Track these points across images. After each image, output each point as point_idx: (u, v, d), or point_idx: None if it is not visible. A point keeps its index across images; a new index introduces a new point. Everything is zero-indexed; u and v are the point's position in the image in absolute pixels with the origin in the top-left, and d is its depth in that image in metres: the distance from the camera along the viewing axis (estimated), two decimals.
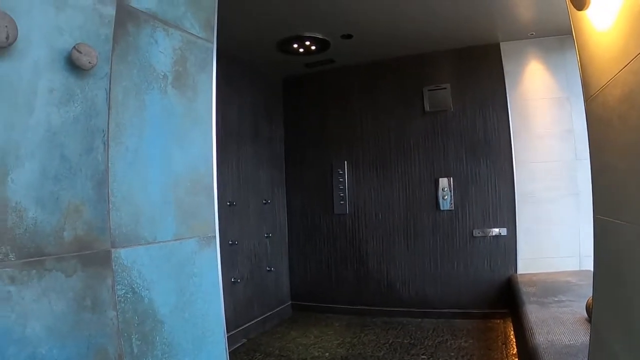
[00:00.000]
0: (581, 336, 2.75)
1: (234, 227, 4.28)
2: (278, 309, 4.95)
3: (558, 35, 4.41)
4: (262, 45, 4.22)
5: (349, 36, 4.14)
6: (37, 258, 0.83)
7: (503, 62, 4.62)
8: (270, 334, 4.44)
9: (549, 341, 2.76)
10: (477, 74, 4.63)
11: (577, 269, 4.52)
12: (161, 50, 1.17)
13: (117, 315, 0.98)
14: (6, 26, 0.82)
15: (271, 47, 4.30)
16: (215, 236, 1.31)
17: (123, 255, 1.01)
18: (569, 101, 4.58)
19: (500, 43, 4.58)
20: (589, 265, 4.58)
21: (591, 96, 1.24)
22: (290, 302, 5.18)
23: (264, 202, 4.80)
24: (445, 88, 4.67)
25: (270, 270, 4.84)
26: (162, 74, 1.17)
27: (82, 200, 0.93)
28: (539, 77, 4.62)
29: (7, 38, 0.82)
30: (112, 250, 0.98)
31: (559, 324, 2.97)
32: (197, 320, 1.21)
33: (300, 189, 5.16)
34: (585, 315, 3.02)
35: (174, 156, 1.18)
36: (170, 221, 1.15)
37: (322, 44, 4.27)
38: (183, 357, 1.15)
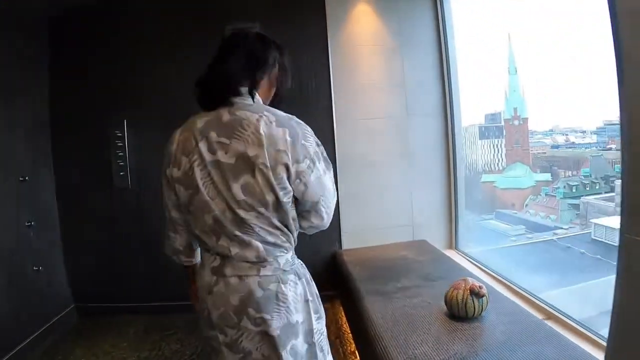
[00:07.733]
0: (456, 344, 1.98)
1: None
2: (58, 317, 3.79)
3: None
4: None
5: None
6: None
7: (325, 1, 3.89)
8: (52, 355, 3.27)
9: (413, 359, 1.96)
10: (293, 12, 3.83)
11: (411, 239, 3.99)
12: None
13: None
14: None
15: None
16: None
17: None
18: (400, 51, 4.00)
19: None
20: (422, 234, 4.06)
21: None
22: (73, 305, 4.00)
23: (21, 179, 3.53)
24: (254, 28, 3.77)
25: (39, 269, 3.62)
26: None
27: None
28: (366, 21, 3.98)
29: None
30: None
31: (417, 327, 2.19)
32: None
33: (72, 160, 3.84)
34: (445, 309, 2.27)
35: None
36: None
37: None
38: None
